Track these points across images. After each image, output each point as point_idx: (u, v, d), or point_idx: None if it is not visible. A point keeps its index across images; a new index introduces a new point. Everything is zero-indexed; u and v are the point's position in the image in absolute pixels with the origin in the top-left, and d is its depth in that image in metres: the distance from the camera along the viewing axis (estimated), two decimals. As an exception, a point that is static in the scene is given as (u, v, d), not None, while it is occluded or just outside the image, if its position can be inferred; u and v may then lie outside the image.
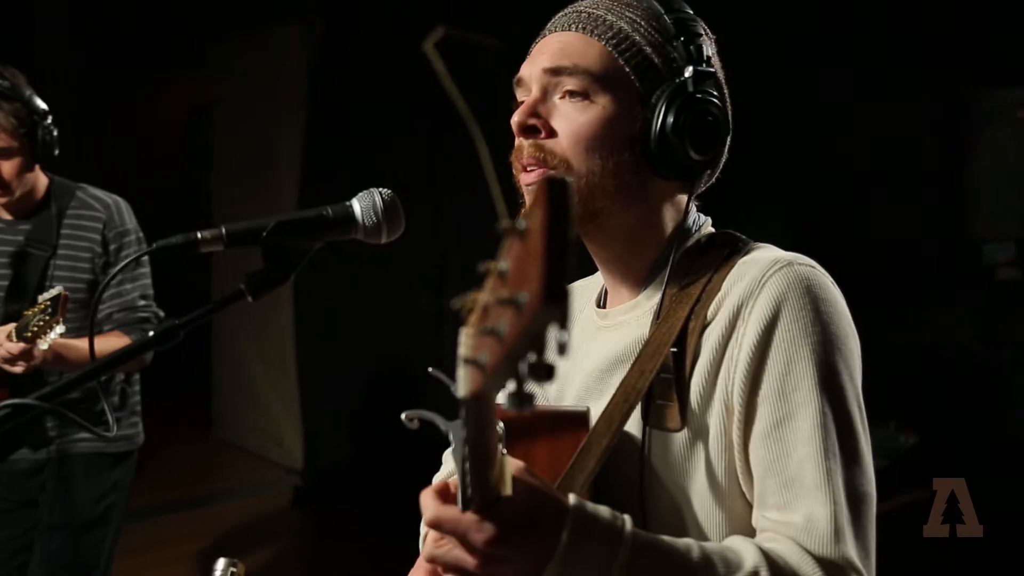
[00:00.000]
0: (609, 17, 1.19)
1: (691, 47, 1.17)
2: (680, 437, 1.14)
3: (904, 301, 3.54)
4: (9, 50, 2.61)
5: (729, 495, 1.12)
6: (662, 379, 1.15)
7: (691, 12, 1.20)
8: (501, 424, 0.97)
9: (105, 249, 2.56)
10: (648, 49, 1.17)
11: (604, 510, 0.99)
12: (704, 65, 1.17)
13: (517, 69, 1.22)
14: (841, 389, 1.09)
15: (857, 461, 1.08)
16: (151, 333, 1.17)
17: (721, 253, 1.20)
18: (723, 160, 1.26)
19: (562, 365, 1.30)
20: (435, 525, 0.93)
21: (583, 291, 1.38)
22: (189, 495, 5.79)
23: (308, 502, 5.44)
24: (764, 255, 1.16)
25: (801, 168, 3.86)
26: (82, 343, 2.43)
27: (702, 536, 1.14)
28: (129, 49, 6.68)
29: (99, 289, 2.31)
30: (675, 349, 1.14)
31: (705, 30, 1.24)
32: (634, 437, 1.18)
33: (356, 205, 1.24)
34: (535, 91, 1.19)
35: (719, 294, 1.14)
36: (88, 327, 2.45)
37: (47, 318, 2.29)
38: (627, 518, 1.00)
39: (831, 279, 1.15)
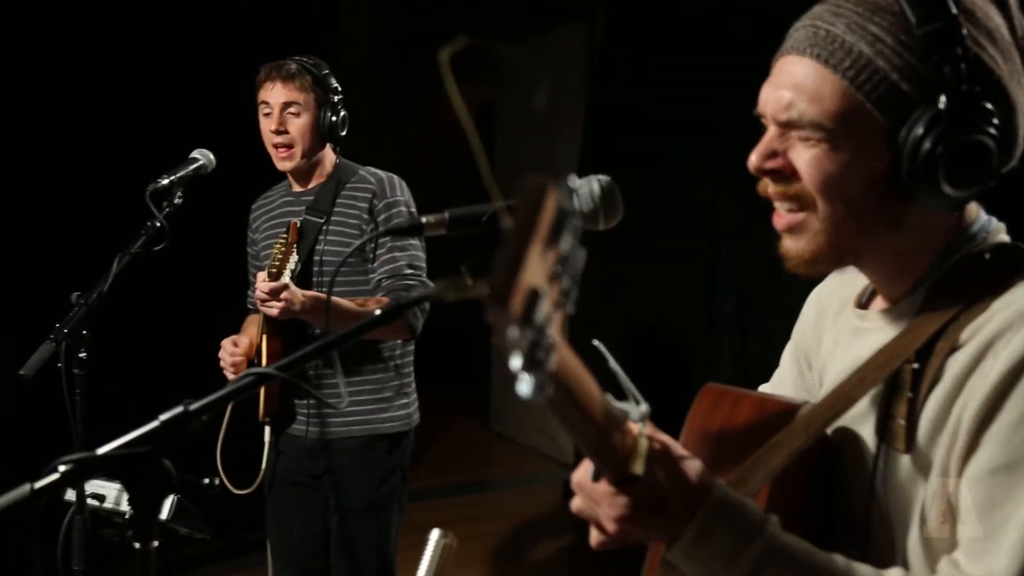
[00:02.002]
0: (848, 38, 1.02)
1: (947, 66, 0.99)
2: (906, 460, 1.05)
3: None
4: (313, 52, 2.85)
5: (945, 532, 1.02)
6: (900, 396, 1.05)
7: (954, 12, 1.00)
8: (644, 404, 0.95)
9: (372, 217, 2.66)
10: (894, 76, 1.01)
11: (750, 505, 0.98)
12: (969, 83, 0.99)
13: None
14: None
15: None
16: (376, 312, 1.23)
17: (1001, 270, 1.04)
18: (1013, 160, 1.08)
19: (824, 359, 1.26)
20: (577, 487, 0.99)
21: (845, 284, 1.27)
22: (465, 482, 6.04)
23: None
24: None
25: None
26: (343, 302, 2.56)
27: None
28: (422, 52, 7.09)
29: (342, 259, 2.45)
30: (916, 366, 1.03)
31: (1004, 13, 1.06)
32: (868, 450, 1.09)
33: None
34: (772, 130, 1.09)
35: (981, 317, 1.01)
36: (359, 292, 2.65)
37: (283, 248, 2.48)
38: (774, 518, 0.96)
39: None
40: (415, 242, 2.72)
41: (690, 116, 4.70)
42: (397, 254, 2.66)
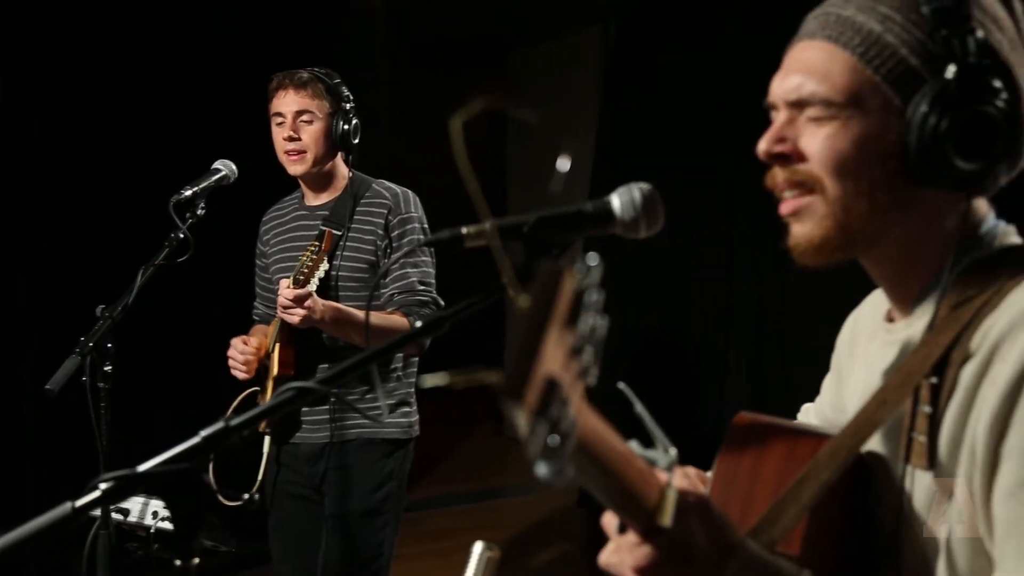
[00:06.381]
0: (859, 18, 1.05)
1: (955, 40, 1.00)
2: (929, 478, 1.02)
3: None
4: (329, 63, 2.86)
5: (974, 551, 0.99)
6: (920, 412, 1.02)
7: None
8: (673, 450, 0.94)
9: (387, 233, 2.70)
10: (903, 51, 1.03)
11: (781, 562, 0.96)
12: (977, 57, 0.99)
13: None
14: None
15: None
16: (417, 323, 1.22)
17: (1008, 272, 1.02)
18: (1021, 156, 1.06)
19: (856, 380, 1.22)
20: (606, 528, 0.99)
21: (881, 305, 1.23)
22: (479, 488, 6.03)
23: (593, 502, 5.46)
24: None
25: None
26: (361, 314, 2.58)
27: None
28: (435, 60, 7.10)
29: (379, 273, 2.47)
30: (935, 379, 1.01)
31: (1011, 15, 1.05)
32: (894, 471, 1.07)
33: (615, 200, 1.22)
34: (781, 115, 1.10)
35: (988, 321, 0.99)
36: (364, 306, 2.66)
37: (314, 257, 2.50)
38: (806, 572, 0.95)
39: None
40: (426, 258, 2.75)
41: (704, 120, 4.69)
42: (409, 270, 2.69)
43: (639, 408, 0.99)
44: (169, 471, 1.15)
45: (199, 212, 2.47)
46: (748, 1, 4.43)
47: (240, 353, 2.67)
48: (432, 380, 0.91)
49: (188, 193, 2.46)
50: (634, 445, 0.93)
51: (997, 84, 1.00)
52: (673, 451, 0.95)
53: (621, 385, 1.05)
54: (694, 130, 4.75)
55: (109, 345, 2.26)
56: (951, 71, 1.00)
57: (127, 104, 4.01)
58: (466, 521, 5.37)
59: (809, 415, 1.41)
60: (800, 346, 4.12)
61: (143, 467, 1.13)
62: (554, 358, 0.72)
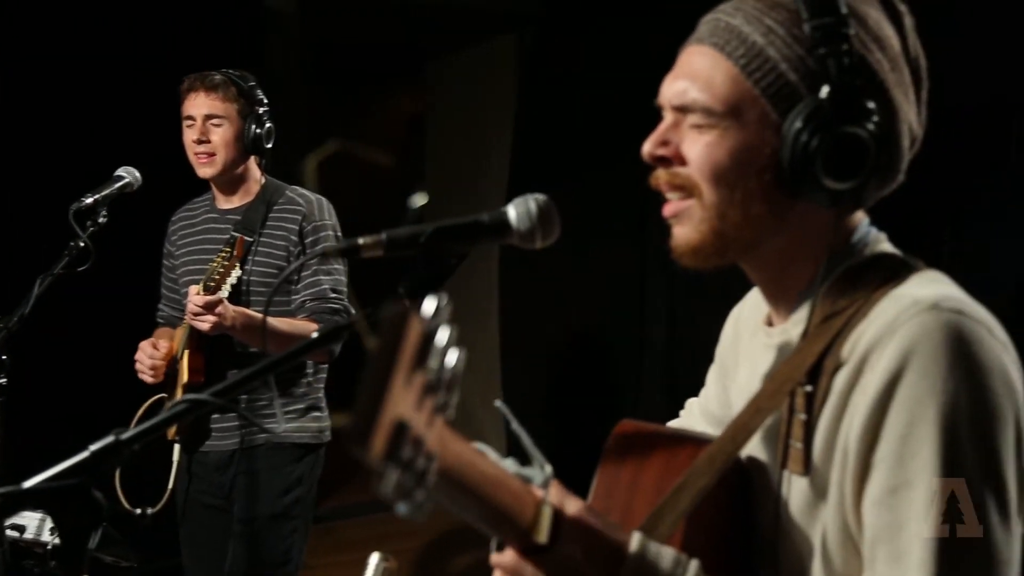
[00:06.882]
0: (745, 29, 1.05)
1: (831, 60, 1.01)
2: (805, 483, 1.05)
3: None
4: (245, 68, 2.82)
5: (847, 552, 1.03)
6: (796, 419, 1.05)
7: (844, 11, 1.02)
8: (548, 467, 0.96)
9: (301, 240, 2.67)
10: (783, 66, 1.04)
11: (668, 554, 0.98)
12: (851, 78, 1.01)
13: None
14: (975, 464, 0.95)
15: (979, 549, 0.95)
16: (314, 334, 1.22)
17: (877, 280, 1.05)
18: (897, 172, 1.10)
19: (739, 379, 1.25)
20: (495, 564, 0.99)
21: (763, 302, 1.24)
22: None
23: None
24: (910, 291, 1.01)
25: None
26: (273, 321, 2.58)
27: None
28: (352, 66, 7.04)
29: (279, 278, 2.50)
30: (810, 387, 1.04)
31: (899, 32, 1.08)
32: (772, 476, 1.10)
33: (511, 211, 1.23)
34: (668, 118, 1.12)
35: (857, 330, 1.02)
36: (281, 313, 2.64)
37: (226, 263, 2.47)
38: (694, 563, 0.97)
39: (992, 328, 0.99)
40: (339, 266, 2.72)
41: (618, 128, 4.74)
42: (322, 277, 2.66)
43: (515, 426, 0.99)
44: (56, 487, 1.12)
45: (100, 220, 2.42)
46: (663, 11, 4.50)
47: (148, 357, 2.63)
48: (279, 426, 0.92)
49: (89, 201, 2.41)
50: (509, 464, 0.94)
51: (870, 105, 1.03)
52: (548, 468, 0.95)
53: (498, 403, 1.06)
54: (608, 138, 4.80)
55: (4, 357, 2.20)
56: (824, 91, 1.02)
57: (27, 106, 3.89)
58: (381, 530, 5.31)
59: (693, 410, 1.44)
60: (711, 353, 4.19)
61: (28, 483, 1.11)
62: (403, 400, 0.73)
